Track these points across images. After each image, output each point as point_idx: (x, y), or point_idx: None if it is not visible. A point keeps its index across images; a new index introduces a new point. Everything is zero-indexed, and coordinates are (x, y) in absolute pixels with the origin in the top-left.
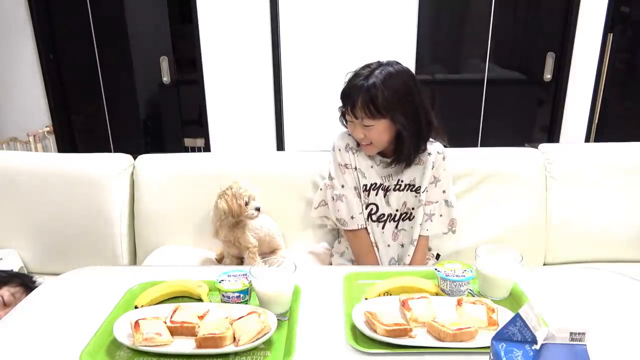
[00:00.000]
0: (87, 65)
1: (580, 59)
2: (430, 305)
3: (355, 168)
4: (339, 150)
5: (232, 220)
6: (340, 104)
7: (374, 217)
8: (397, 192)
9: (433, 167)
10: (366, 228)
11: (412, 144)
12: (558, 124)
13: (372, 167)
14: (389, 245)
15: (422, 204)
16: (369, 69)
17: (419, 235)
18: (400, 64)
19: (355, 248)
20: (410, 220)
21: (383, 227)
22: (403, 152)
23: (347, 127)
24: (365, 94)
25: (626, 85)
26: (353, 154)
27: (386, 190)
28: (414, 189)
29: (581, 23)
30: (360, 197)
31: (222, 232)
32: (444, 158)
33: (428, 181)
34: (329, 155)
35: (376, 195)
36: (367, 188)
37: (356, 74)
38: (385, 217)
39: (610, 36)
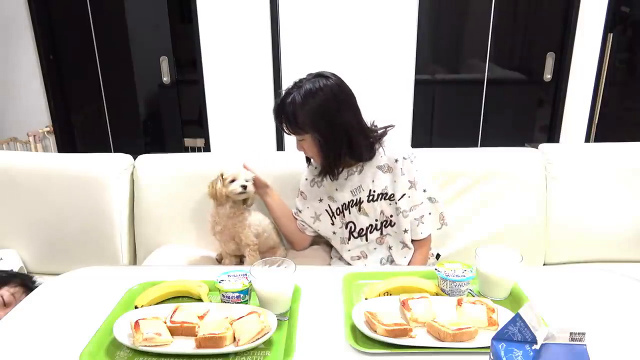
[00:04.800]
0: (87, 65)
1: (580, 59)
2: (430, 305)
3: (321, 200)
4: (306, 180)
5: (227, 209)
6: None
7: (355, 234)
8: (371, 202)
9: (403, 173)
10: (302, 230)
11: (328, 159)
12: (558, 124)
13: (336, 189)
14: (375, 249)
15: (401, 211)
16: (295, 87)
17: (413, 240)
18: (331, 78)
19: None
20: (392, 226)
21: (366, 239)
22: (342, 156)
23: None
24: (285, 113)
25: (626, 85)
26: (319, 187)
27: (359, 203)
28: (387, 197)
29: (581, 23)
30: (330, 218)
31: (220, 224)
32: (411, 161)
33: (406, 187)
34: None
35: (350, 213)
36: (341, 210)
37: (285, 93)
38: (365, 231)
39: (610, 36)
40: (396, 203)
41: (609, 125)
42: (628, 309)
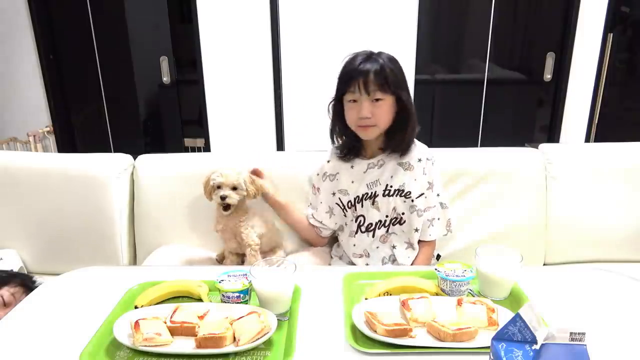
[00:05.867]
0: (87, 65)
1: (580, 59)
2: (430, 305)
3: (333, 194)
4: (317, 174)
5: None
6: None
7: (363, 228)
8: (386, 197)
9: (425, 173)
10: (314, 229)
11: (407, 127)
12: (558, 124)
13: (352, 182)
14: (377, 247)
15: (416, 210)
16: (370, 52)
17: (421, 241)
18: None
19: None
20: (400, 224)
21: (373, 235)
22: (397, 135)
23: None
24: (378, 68)
25: (626, 85)
26: (331, 180)
27: (374, 197)
28: (403, 194)
29: (581, 23)
30: (342, 211)
31: (221, 223)
32: (433, 163)
33: (424, 187)
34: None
35: (362, 206)
36: (353, 203)
37: (357, 57)
38: (373, 226)
39: (610, 36)
40: (412, 201)
41: (609, 125)
42: (628, 309)
